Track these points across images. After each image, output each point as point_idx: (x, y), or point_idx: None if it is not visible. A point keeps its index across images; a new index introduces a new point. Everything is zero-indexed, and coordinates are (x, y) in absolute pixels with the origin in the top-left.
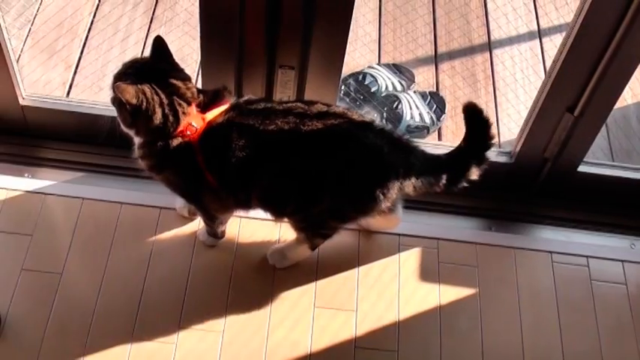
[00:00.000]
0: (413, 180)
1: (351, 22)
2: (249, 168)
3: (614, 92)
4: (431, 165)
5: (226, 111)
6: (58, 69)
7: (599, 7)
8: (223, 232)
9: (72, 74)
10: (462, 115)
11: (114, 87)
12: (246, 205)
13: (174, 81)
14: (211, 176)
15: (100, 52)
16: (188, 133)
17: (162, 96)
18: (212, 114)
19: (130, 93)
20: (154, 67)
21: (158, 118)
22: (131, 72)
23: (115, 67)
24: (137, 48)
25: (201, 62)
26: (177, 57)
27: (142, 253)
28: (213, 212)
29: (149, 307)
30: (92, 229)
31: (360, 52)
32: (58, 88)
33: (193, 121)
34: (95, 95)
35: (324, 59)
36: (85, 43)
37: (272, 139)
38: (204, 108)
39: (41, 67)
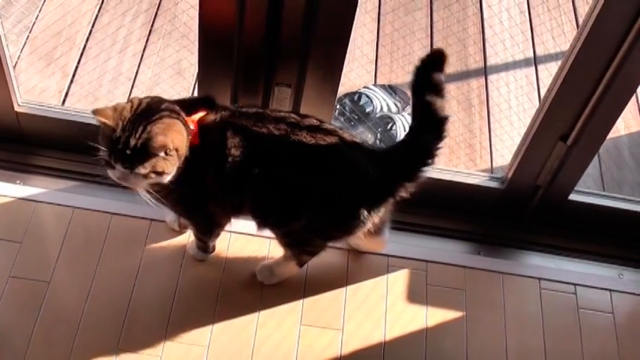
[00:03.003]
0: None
1: (349, 43)
2: (241, 169)
3: (607, 122)
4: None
5: (219, 110)
6: (54, 77)
7: (596, 38)
8: (214, 247)
9: (68, 83)
10: (455, 139)
11: (159, 148)
12: (240, 211)
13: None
14: (210, 178)
15: (98, 62)
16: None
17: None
18: (197, 116)
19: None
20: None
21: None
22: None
23: (112, 77)
24: (135, 60)
25: (198, 76)
26: (174, 70)
27: (130, 265)
28: (217, 219)
29: (135, 319)
30: (82, 239)
31: (356, 73)
32: (54, 96)
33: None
34: (91, 105)
35: (321, 78)
36: (82, 53)
37: (263, 143)
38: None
39: (38, 75)
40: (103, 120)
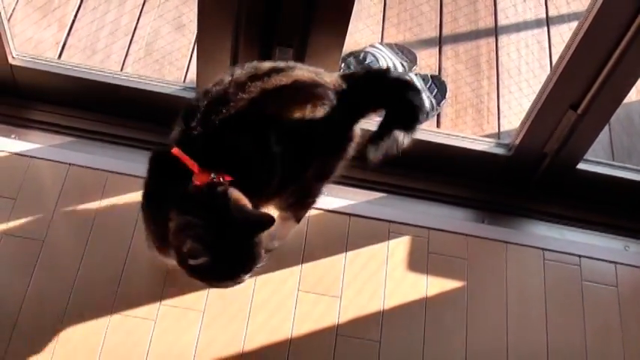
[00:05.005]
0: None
1: (355, 1)
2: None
3: (620, 92)
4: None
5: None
6: (51, 29)
7: (611, 4)
8: None
9: (65, 35)
10: (462, 103)
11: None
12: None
13: None
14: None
15: (96, 14)
16: None
17: None
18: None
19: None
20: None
21: None
22: None
23: (110, 31)
24: (134, 13)
25: (198, 36)
26: (173, 26)
27: (126, 225)
28: None
29: (131, 281)
30: (77, 197)
31: (361, 33)
32: (51, 49)
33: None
34: (88, 58)
35: (325, 39)
36: (80, 4)
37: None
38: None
39: (34, 26)
40: None
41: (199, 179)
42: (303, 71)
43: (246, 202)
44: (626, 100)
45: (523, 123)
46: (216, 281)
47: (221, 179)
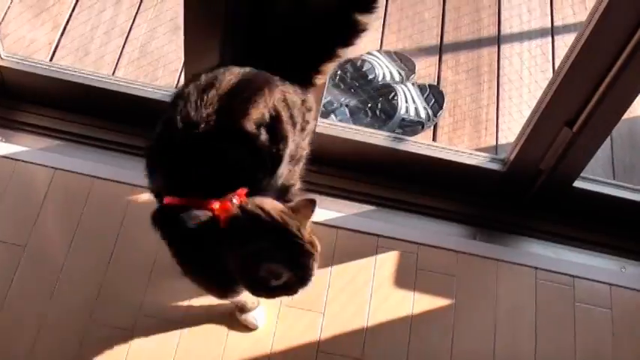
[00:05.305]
0: None
1: None
2: None
3: (617, 111)
4: None
5: None
6: (45, 28)
7: (608, 22)
8: None
9: (59, 35)
10: (460, 114)
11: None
12: None
13: None
14: None
15: (92, 12)
16: None
17: None
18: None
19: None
20: None
21: None
22: None
23: (104, 32)
24: (130, 12)
25: (185, 39)
26: (169, 27)
27: (110, 231)
28: None
29: (110, 293)
30: (62, 202)
31: (360, 39)
32: (44, 48)
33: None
34: (80, 59)
35: None
36: (76, 3)
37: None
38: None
39: (28, 25)
40: None
41: (222, 212)
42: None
43: (275, 203)
44: (630, 114)
45: (518, 138)
46: (299, 288)
47: (240, 199)
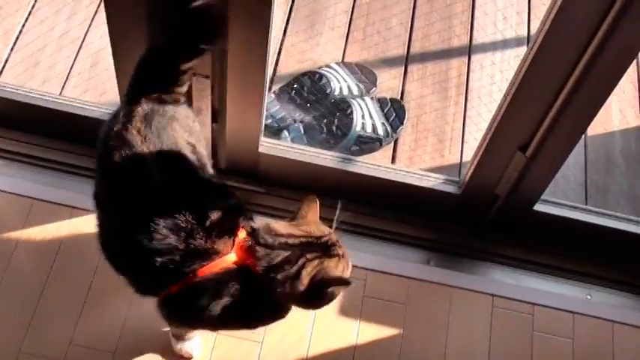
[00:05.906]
0: None
1: (321, 12)
2: None
3: (572, 136)
4: None
5: None
6: None
7: (557, 38)
8: None
9: (8, 51)
10: (424, 131)
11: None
12: None
13: None
14: None
15: (43, 28)
16: None
17: None
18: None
19: None
20: None
21: None
22: None
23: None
24: (82, 28)
25: (114, 63)
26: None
27: (50, 254)
28: None
29: (40, 324)
30: None
31: (324, 48)
32: None
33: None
34: (29, 71)
35: (243, 66)
36: (28, 16)
37: None
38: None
39: None
40: None
41: (242, 258)
42: None
43: (278, 223)
44: (609, 128)
45: (471, 161)
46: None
47: (248, 237)
